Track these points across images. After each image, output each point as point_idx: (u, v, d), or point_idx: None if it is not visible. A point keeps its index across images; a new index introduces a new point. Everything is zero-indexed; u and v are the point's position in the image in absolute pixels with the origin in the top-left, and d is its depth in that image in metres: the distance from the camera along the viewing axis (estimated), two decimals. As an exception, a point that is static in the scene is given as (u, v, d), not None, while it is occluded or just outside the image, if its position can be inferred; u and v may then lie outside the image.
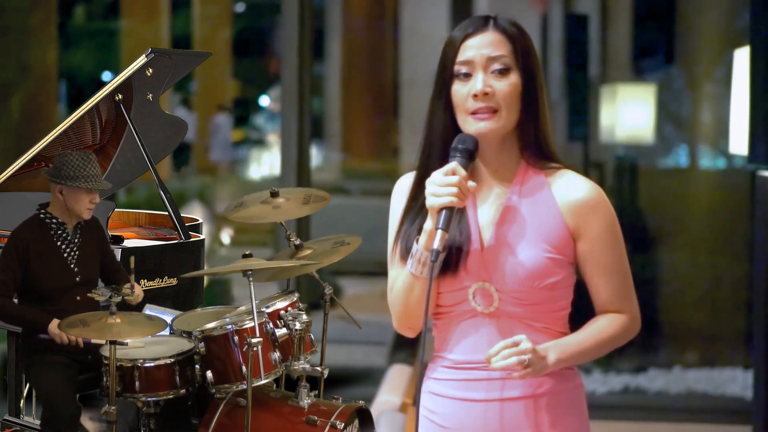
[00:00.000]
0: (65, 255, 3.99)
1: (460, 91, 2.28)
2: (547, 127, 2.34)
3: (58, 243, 3.99)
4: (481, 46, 2.27)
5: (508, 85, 2.26)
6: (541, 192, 2.31)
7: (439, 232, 2.20)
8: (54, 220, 3.99)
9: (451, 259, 2.29)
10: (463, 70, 2.28)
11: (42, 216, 4.01)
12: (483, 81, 2.26)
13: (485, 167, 2.34)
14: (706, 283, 7.42)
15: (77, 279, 3.99)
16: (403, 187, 2.41)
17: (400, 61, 12.95)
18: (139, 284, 4.23)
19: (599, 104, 7.60)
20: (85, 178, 3.91)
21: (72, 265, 3.99)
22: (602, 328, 2.33)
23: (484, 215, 2.33)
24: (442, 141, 2.32)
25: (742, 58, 6.02)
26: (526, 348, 2.20)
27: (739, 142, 6.09)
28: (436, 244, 2.19)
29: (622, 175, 7.67)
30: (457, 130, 2.31)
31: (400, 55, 13.01)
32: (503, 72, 2.26)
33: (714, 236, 7.41)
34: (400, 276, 2.33)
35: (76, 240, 4.02)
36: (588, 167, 7.56)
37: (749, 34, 5.54)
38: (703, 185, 7.60)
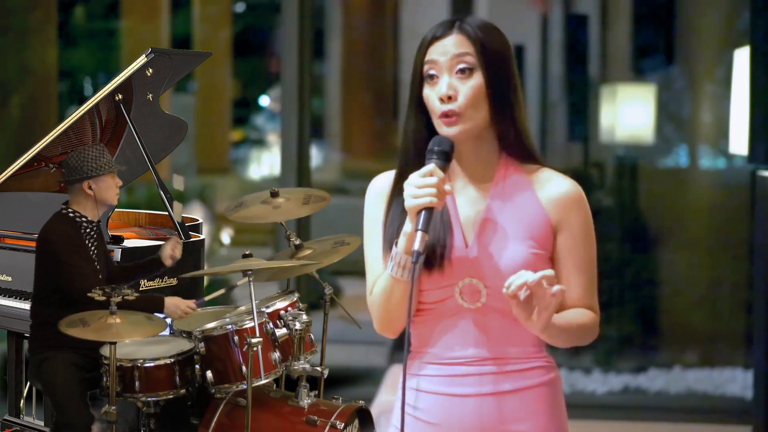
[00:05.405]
0: (92, 254, 3.99)
1: (429, 95, 2.32)
2: (525, 127, 2.36)
3: (87, 242, 3.99)
4: (445, 47, 2.31)
5: (470, 88, 2.28)
6: (523, 189, 2.34)
7: (419, 233, 2.20)
8: (84, 219, 3.99)
9: (435, 258, 2.30)
10: (431, 71, 2.31)
11: (72, 215, 3.99)
12: (447, 84, 2.29)
13: (461, 167, 2.36)
14: (706, 283, 7.40)
15: (99, 277, 3.99)
16: (377, 188, 2.42)
17: (400, 61, 12.95)
18: (140, 284, 4.23)
19: (599, 104, 7.58)
20: (108, 164, 3.97)
21: (96, 264, 3.99)
22: (579, 315, 2.33)
23: (465, 214, 2.34)
24: (416, 144, 2.34)
25: (742, 58, 6.02)
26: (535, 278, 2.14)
27: (739, 142, 6.09)
28: (417, 245, 2.19)
29: (622, 175, 7.66)
30: (430, 133, 2.33)
31: (400, 55, 13.01)
32: (466, 72, 2.29)
33: (714, 236, 7.40)
34: (380, 279, 2.34)
35: (97, 239, 4.04)
36: (588, 167, 7.56)
37: (749, 34, 5.54)
38: (703, 185, 7.59)
